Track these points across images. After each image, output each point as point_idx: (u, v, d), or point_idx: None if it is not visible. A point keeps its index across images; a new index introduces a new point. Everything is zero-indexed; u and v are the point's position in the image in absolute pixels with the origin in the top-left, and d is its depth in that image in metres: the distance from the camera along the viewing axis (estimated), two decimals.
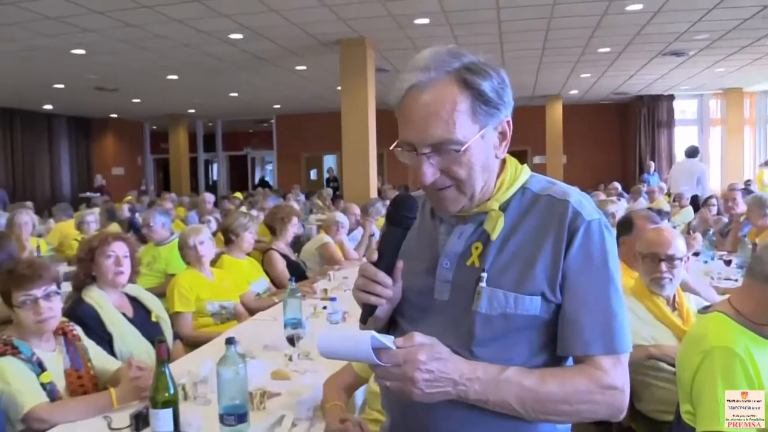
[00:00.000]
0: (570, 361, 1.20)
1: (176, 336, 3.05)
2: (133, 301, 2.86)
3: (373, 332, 1.04)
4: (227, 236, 3.99)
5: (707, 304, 2.13)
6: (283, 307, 2.76)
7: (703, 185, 9.53)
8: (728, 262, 4.46)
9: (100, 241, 2.80)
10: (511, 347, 1.16)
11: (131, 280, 2.91)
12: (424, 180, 1.15)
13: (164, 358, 1.78)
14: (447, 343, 1.11)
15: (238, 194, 11.93)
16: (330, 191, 11.94)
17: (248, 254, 4.26)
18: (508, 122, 1.20)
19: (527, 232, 1.18)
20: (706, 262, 4.64)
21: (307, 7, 6.71)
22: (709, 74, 11.88)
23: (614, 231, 1.23)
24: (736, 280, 3.95)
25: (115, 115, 17.06)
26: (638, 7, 6.90)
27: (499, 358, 1.14)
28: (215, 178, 20.53)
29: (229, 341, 1.79)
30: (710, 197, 7.18)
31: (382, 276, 1.17)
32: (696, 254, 4.66)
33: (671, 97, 15.04)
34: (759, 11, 7.14)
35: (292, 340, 2.54)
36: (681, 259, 2.34)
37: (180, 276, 3.46)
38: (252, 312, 3.60)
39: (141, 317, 2.79)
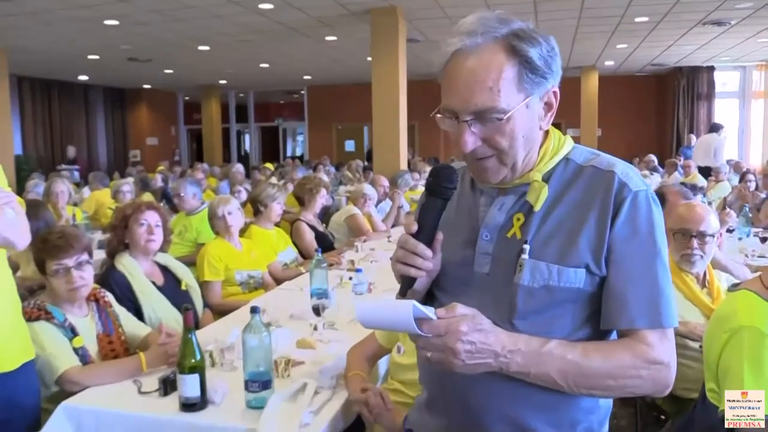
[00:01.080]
0: (613, 336, 1.18)
1: (205, 304, 3.12)
2: (164, 269, 2.93)
3: (414, 302, 1.03)
4: (255, 207, 4.03)
5: (738, 281, 2.08)
6: (309, 278, 2.79)
7: (718, 156, 10.02)
8: (764, 239, 4.35)
9: (134, 210, 2.87)
10: (552, 320, 1.14)
11: (163, 249, 2.97)
12: (464, 148, 1.13)
13: (191, 325, 1.83)
14: (487, 316, 1.10)
15: (269, 165, 12.02)
16: (360, 163, 11.91)
17: (277, 225, 4.31)
18: (555, 93, 1.16)
19: (571, 203, 1.15)
20: (740, 238, 4.54)
21: None
22: (752, 44, 11.45)
23: None
24: None
25: (148, 86, 17.24)
26: None
27: (540, 332, 1.12)
28: (247, 148, 20.71)
29: (254, 310, 1.82)
30: (746, 172, 7.00)
31: (421, 248, 1.14)
32: (730, 231, 4.56)
33: (711, 69, 14.55)
34: None
35: (317, 310, 2.58)
36: (713, 235, 2.29)
37: (209, 246, 3.52)
38: (279, 282, 3.65)
39: (171, 286, 2.86)
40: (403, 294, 1.19)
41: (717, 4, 8.14)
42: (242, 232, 3.90)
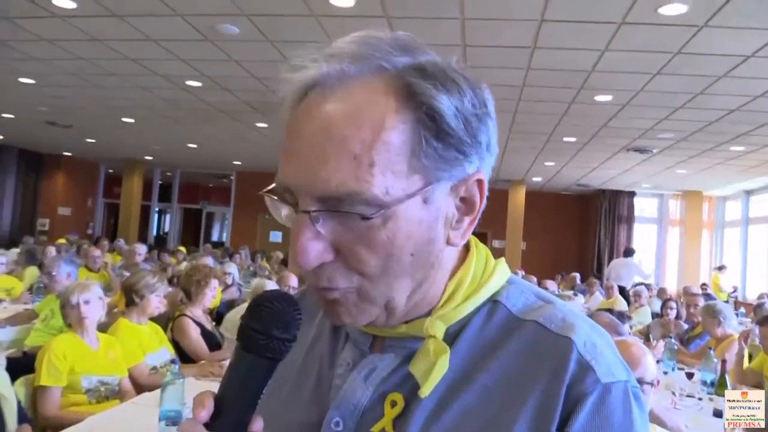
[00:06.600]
0: None
1: (24, 419, 2.45)
2: None
3: None
4: (129, 296, 3.42)
5: None
6: (160, 396, 2.22)
7: (628, 279, 11.17)
8: (690, 375, 4.07)
9: None
10: None
11: None
12: (301, 260, 0.62)
13: None
14: None
15: (182, 248, 11.31)
16: (281, 256, 11.35)
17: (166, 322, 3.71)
18: (479, 182, 0.67)
19: (490, 387, 0.66)
20: (666, 373, 4.24)
21: (269, 60, 6.41)
22: (671, 174, 11.96)
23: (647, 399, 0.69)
24: (700, 399, 3.55)
25: (68, 154, 16.42)
26: (608, 98, 6.80)
27: None
28: (167, 229, 19.81)
29: None
30: (668, 299, 6.94)
31: None
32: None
33: (632, 194, 15.16)
34: (725, 115, 7.12)
35: None
36: (651, 383, 1.89)
37: (55, 342, 2.87)
38: (141, 389, 3.03)
39: None
40: None
41: (641, 132, 8.40)
42: (107, 326, 3.29)
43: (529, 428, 0.63)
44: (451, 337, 0.68)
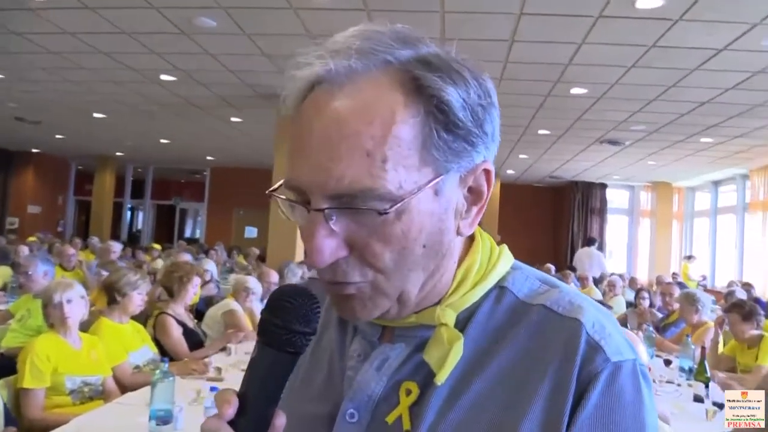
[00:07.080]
0: None
1: (9, 420, 2.41)
2: None
3: None
4: (111, 295, 3.36)
5: None
6: (150, 394, 2.20)
7: (595, 267, 11.55)
8: (668, 362, 4.16)
9: None
10: None
11: None
12: (317, 259, 0.63)
13: None
14: None
15: (156, 245, 11.16)
16: (256, 251, 11.25)
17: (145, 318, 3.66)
18: (487, 171, 0.69)
19: (502, 372, 0.67)
20: None
21: (245, 54, 6.34)
22: (641, 166, 12.16)
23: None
24: (679, 385, 3.63)
25: (37, 150, 16.05)
26: (583, 91, 6.88)
27: None
28: (140, 226, 19.54)
29: None
30: (641, 289, 7.08)
31: None
32: None
33: (604, 186, 15.38)
34: (696, 107, 7.26)
35: None
36: None
37: (37, 342, 2.81)
38: (126, 389, 2.99)
39: None
40: None
41: (614, 124, 8.52)
42: (89, 324, 3.24)
43: (545, 410, 0.64)
44: (461, 324, 0.70)
